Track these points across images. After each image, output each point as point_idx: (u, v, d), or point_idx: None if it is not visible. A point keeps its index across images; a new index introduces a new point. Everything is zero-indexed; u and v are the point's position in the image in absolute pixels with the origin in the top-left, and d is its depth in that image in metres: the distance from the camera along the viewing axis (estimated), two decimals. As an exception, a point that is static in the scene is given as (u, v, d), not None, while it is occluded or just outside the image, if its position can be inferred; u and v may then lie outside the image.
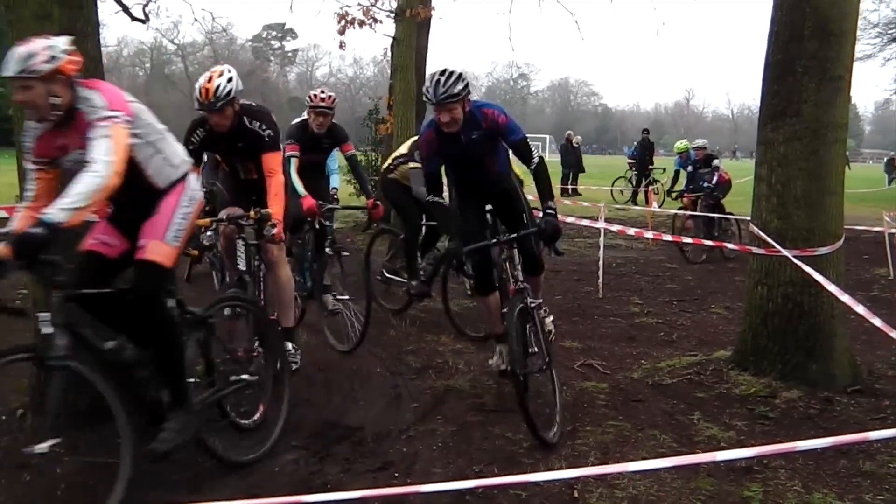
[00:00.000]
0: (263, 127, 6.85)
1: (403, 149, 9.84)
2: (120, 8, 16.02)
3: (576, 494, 5.10)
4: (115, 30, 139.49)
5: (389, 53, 16.09)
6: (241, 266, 6.96)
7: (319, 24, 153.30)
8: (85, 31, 5.93)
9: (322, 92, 9.07)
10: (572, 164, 33.53)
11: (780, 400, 6.79)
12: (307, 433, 6.15)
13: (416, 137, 9.25)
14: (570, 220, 13.33)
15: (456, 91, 6.16)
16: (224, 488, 5.16)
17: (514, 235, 6.64)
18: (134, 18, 16.57)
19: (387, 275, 10.39)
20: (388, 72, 15.37)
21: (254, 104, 7.04)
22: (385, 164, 10.27)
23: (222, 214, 7.09)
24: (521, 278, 6.52)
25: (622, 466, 3.83)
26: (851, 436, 3.71)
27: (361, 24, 15.79)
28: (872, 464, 5.62)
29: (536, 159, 6.39)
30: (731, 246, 9.62)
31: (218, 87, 6.62)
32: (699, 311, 11.09)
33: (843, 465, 5.61)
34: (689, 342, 9.17)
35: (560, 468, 5.45)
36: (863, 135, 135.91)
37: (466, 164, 6.83)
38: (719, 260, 15.30)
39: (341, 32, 15.96)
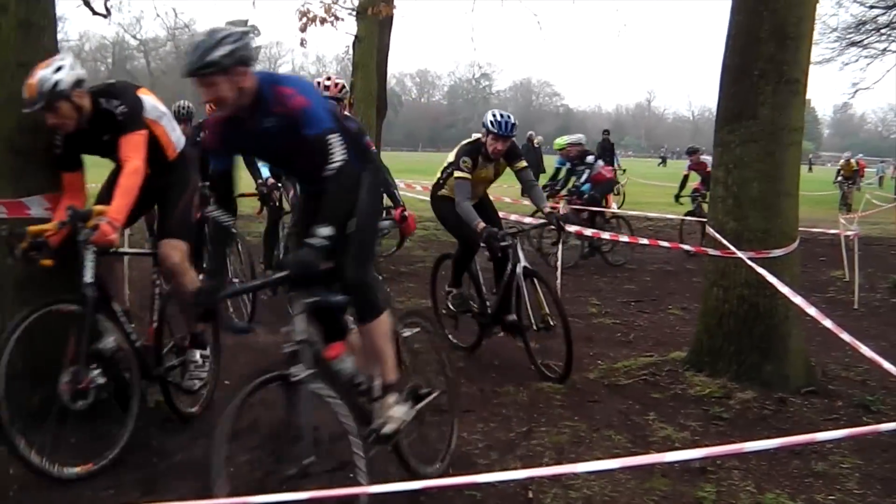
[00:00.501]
0: (117, 104, 5.62)
1: (451, 156, 8.55)
2: (81, 2, 15.87)
3: (530, 495, 5.10)
4: (77, 24, 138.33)
5: (351, 51, 16.01)
6: (87, 279, 5.43)
7: (282, 21, 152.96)
8: (41, 23, 5.85)
9: (328, 79, 8.74)
10: (533, 164, 33.53)
11: (735, 401, 6.84)
12: (263, 434, 6.10)
13: (465, 141, 8.62)
14: (528, 220, 13.34)
15: (213, 59, 4.48)
16: (179, 489, 5.11)
17: (257, 284, 5.61)
18: (95, 13, 16.42)
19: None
20: (352, 70, 15.28)
21: (116, 81, 6.00)
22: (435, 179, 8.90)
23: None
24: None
25: (573, 467, 3.84)
26: (800, 437, 3.73)
27: (323, 21, 15.67)
28: (825, 464, 5.67)
29: (334, 167, 4.45)
30: (687, 247, 9.65)
31: (41, 81, 5.29)
32: (656, 311, 11.15)
33: (795, 466, 5.67)
34: (645, 343, 9.22)
35: (515, 468, 5.45)
36: (821, 138, 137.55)
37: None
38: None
39: (303, 30, 15.84)
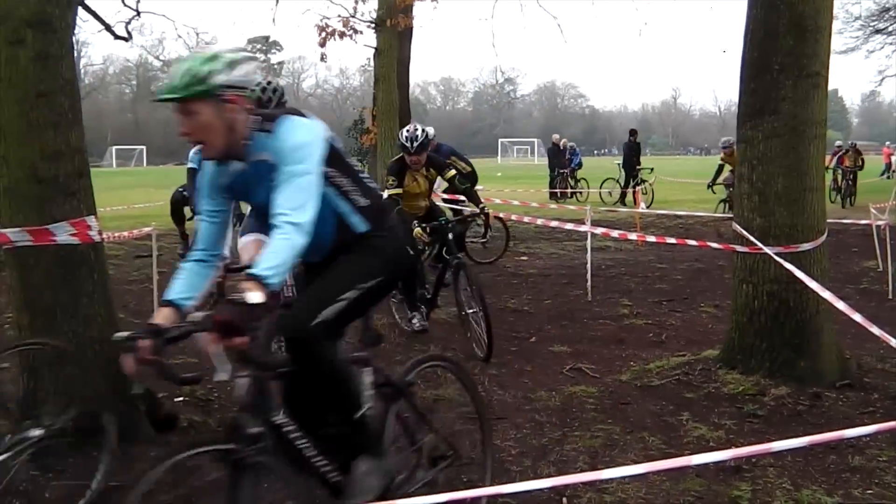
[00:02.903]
0: None
1: None
2: (103, 27, 16.03)
3: (564, 501, 5.10)
4: (100, 48, 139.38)
5: (373, 64, 16.10)
6: None
7: (304, 35, 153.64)
8: (59, 54, 5.92)
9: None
10: (560, 166, 33.57)
11: (769, 397, 6.80)
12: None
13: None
14: (554, 223, 13.35)
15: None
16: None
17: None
18: (117, 37, 16.59)
19: None
20: (374, 82, 15.36)
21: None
22: None
23: None
24: None
25: (603, 473, 3.81)
26: (829, 434, 3.71)
27: (342, 35, 15.78)
28: (861, 458, 5.62)
29: None
30: (715, 245, 9.60)
31: None
32: (688, 310, 11.10)
33: (832, 461, 5.63)
34: (678, 342, 9.18)
35: (549, 474, 5.45)
36: (850, 127, 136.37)
37: None
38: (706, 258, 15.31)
39: (322, 44, 15.96)
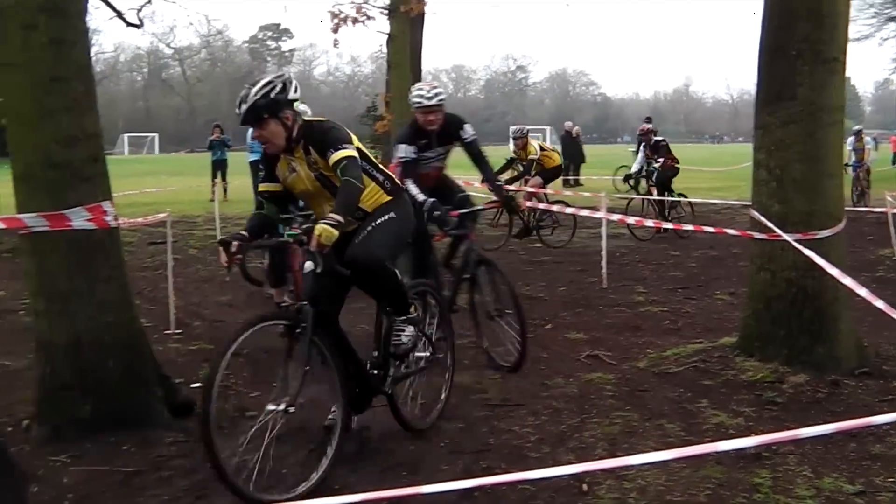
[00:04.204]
0: None
1: None
2: (114, 14, 16.03)
3: (584, 487, 5.08)
4: (111, 35, 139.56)
5: (385, 50, 16.06)
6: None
7: (315, 22, 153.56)
8: (73, 39, 5.92)
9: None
10: (573, 154, 33.51)
11: (788, 385, 6.76)
12: (313, 434, 6.12)
13: None
14: (569, 210, 13.32)
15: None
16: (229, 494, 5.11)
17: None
18: (129, 24, 16.61)
19: None
20: (386, 68, 15.31)
21: None
22: None
23: None
24: None
25: (625, 460, 3.80)
26: (855, 421, 3.68)
27: (355, 21, 15.76)
28: (882, 446, 5.60)
29: None
30: (732, 232, 9.56)
31: None
32: (703, 297, 11.07)
33: (852, 449, 5.59)
34: (694, 329, 9.15)
35: (568, 461, 5.43)
36: (863, 115, 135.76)
37: None
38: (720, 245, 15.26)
39: (335, 31, 15.95)
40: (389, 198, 5.86)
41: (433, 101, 8.09)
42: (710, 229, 10.62)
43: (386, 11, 14.87)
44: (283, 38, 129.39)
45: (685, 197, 17.00)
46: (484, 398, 6.88)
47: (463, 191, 8.61)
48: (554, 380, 7.25)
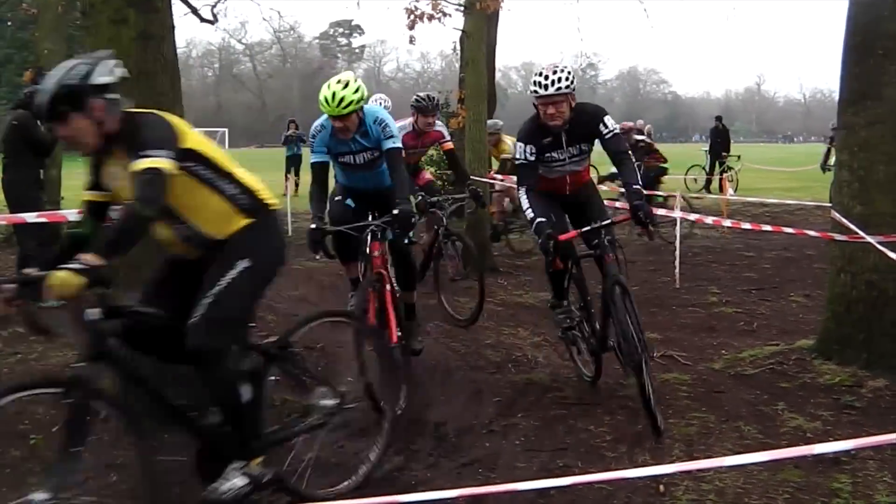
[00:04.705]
0: None
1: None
2: (189, 10, 16.22)
3: (661, 488, 5.08)
4: (183, 31, 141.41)
5: (459, 47, 16.05)
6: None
7: (386, 19, 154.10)
8: (161, 34, 6.04)
9: None
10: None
11: (866, 389, 6.66)
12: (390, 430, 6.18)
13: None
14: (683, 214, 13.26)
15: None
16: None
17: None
18: (203, 20, 16.73)
19: None
20: (457, 65, 15.35)
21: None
22: None
23: None
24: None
25: (710, 462, 3.79)
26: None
27: (430, 18, 15.75)
28: (965, 452, 5.51)
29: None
30: (812, 233, 9.43)
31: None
32: (778, 299, 10.95)
33: (933, 455, 5.51)
34: (769, 331, 9.06)
35: (645, 461, 5.43)
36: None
37: None
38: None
39: (411, 27, 15.95)
40: (247, 220, 4.64)
41: (549, 91, 6.46)
42: (790, 230, 10.50)
43: (462, 8, 14.85)
44: (354, 35, 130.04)
45: (673, 197, 16.49)
46: (559, 396, 6.88)
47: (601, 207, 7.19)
48: (630, 379, 7.21)
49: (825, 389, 6.78)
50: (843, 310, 7.23)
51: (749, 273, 13.06)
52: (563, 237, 6.40)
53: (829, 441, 5.48)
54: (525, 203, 6.63)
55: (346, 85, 6.57)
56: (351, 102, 6.55)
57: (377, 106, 7.63)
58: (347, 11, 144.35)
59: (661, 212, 12.84)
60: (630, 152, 6.97)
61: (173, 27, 6.31)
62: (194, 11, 16.27)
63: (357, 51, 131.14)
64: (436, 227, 9.63)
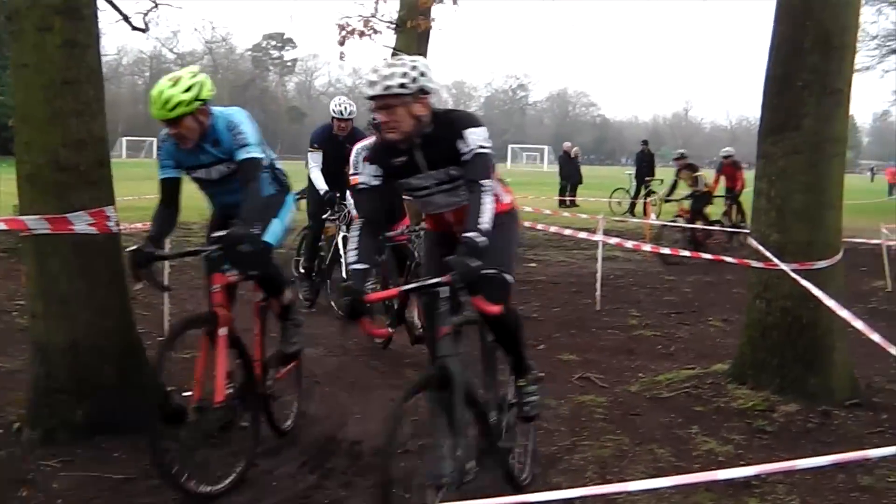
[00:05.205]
0: None
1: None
2: (120, 17, 16.05)
3: (575, 511, 5.09)
4: (114, 38, 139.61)
5: (388, 64, 16.13)
6: None
7: (318, 33, 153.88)
8: (86, 42, 5.94)
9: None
10: (571, 175, 33.62)
11: (779, 414, 6.77)
12: (304, 447, 6.13)
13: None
14: (567, 231, 13.32)
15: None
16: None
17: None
18: (134, 28, 16.59)
19: None
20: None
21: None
22: None
23: None
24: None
25: (622, 486, 3.81)
26: (852, 454, 3.69)
27: (362, 34, 15.81)
28: (871, 478, 5.60)
29: None
30: (730, 260, 9.58)
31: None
32: (697, 323, 11.08)
33: (841, 480, 5.60)
34: (687, 355, 9.15)
35: (558, 484, 5.44)
36: (861, 146, 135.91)
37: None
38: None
39: (341, 43, 15.99)
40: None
41: (376, 91, 4.63)
42: (708, 256, 10.64)
43: (393, 26, 14.91)
44: (287, 48, 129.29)
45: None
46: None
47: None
48: (546, 400, 7.24)
49: (739, 413, 6.87)
50: (759, 335, 7.34)
51: (670, 297, 13.20)
52: (371, 297, 4.89)
53: (741, 465, 5.56)
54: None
55: (177, 83, 5.38)
56: (179, 104, 5.32)
57: (235, 109, 5.93)
58: (280, 24, 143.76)
59: (582, 234, 12.94)
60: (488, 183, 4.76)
61: (99, 36, 6.22)
62: (126, 19, 16.13)
63: (289, 64, 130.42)
64: (408, 262, 9.21)
